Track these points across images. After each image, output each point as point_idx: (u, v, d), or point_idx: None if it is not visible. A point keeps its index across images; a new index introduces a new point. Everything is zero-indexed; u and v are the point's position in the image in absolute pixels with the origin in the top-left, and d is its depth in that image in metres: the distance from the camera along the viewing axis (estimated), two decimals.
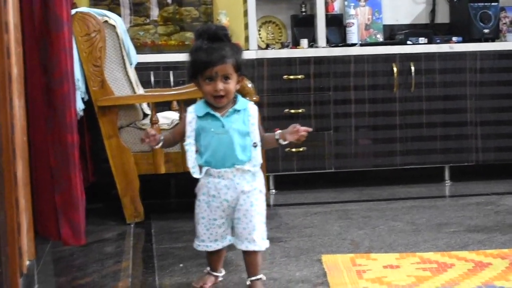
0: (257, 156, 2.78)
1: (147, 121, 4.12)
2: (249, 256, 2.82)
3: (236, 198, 2.77)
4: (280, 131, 2.80)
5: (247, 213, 2.77)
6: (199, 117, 2.78)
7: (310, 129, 2.77)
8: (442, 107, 5.00)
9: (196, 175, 2.80)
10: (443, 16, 5.63)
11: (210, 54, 2.68)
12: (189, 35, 5.36)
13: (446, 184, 5.09)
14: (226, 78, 2.71)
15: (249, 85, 4.00)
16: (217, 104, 2.74)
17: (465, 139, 5.03)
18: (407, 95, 4.96)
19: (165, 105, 4.67)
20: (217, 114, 2.75)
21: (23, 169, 2.81)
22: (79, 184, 3.13)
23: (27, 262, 2.82)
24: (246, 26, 5.21)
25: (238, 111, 2.77)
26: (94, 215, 4.27)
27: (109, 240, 3.79)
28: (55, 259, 3.46)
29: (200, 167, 2.81)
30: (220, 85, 2.69)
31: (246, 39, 5.21)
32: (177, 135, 2.90)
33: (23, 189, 2.79)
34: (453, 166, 5.14)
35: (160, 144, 2.85)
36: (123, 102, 4.05)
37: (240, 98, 2.81)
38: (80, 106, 3.87)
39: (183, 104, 4.01)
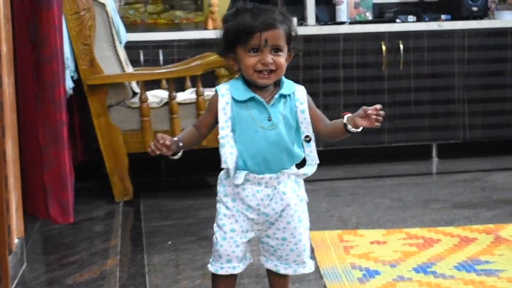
0: (313, 153, 2.15)
1: (136, 99, 4.13)
2: (284, 278, 2.26)
3: (280, 212, 2.13)
4: (349, 114, 2.10)
5: (295, 231, 2.16)
6: (236, 102, 2.10)
7: (379, 106, 2.04)
8: (430, 85, 5.02)
9: (237, 179, 2.10)
10: None
11: (258, 16, 2.04)
12: (179, 13, 5.35)
13: (434, 162, 5.12)
14: (276, 49, 2.06)
15: None
16: (261, 82, 2.07)
17: (453, 117, 5.05)
18: (396, 73, 4.98)
19: (154, 84, 4.67)
20: (264, 102, 2.09)
21: (13, 147, 2.82)
22: (68, 162, 3.15)
23: (16, 240, 2.84)
24: None
25: (285, 96, 2.12)
26: (84, 193, 4.28)
27: (98, 219, 3.81)
28: (44, 237, 3.48)
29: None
30: (269, 57, 2.04)
31: None
32: (204, 127, 2.18)
33: (12, 167, 2.80)
34: (440, 143, 5.16)
35: (180, 150, 2.13)
36: (112, 80, 4.06)
37: (284, 79, 2.14)
38: (69, 84, 3.87)
39: (173, 83, 4.02)
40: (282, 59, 2.07)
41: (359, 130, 2.09)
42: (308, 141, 2.13)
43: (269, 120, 2.08)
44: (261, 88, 2.10)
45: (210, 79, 4.72)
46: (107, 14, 4.13)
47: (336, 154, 5.16)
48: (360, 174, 4.75)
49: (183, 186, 4.44)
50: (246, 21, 2.04)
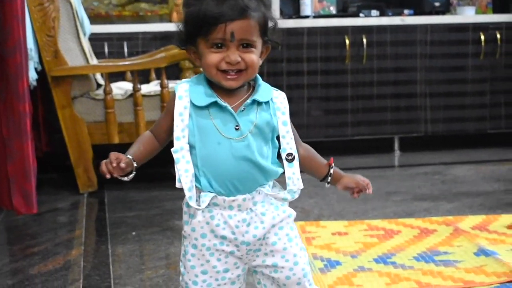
0: (296, 175, 1.74)
1: (100, 91, 4.13)
2: None
3: (263, 236, 1.71)
4: (335, 168, 1.88)
5: (286, 253, 1.73)
6: (196, 107, 1.66)
7: (370, 191, 1.87)
8: (393, 79, 5.08)
9: (195, 203, 1.66)
10: None
11: (223, 2, 1.59)
12: (143, 6, 5.36)
13: (396, 155, 5.18)
14: (246, 45, 1.63)
15: None
16: (226, 84, 1.64)
17: (415, 111, 5.12)
18: (359, 67, 5.03)
19: (118, 76, 4.68)
20: (229, 107, 1.65)
21: None
22: (31, 153, 3.15)
23: None
24: None
25: (260, 103, 1.68)
26: (48, 185, 4.28)
27: (62, 210, 3.81)
28: (8, 227, 3.47)
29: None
30: (236, 55, 1.61)
31: None
32: (163, 132, 1.73)
33: None
34: (402, 136, 5.23)
35: (134, 170, 1.68)
36: (76, 72, 4.05)
37: (261, 82, 1.72)
38: (33, 76, 3.87)
39: (138, 75, 4.03)
40: (254, 56, 1.64)
41: (338, 188, 1.90)
42: (291, 161, 1.73)
43: (237, 129, 1.64)
44: (228, 90, 1.66)
45: (175, 71, 4.74)
46: (71, 5, 4.13)
47: None
48: None
49: (147, 178, 4.45)
50: (208, 7, 1.59)
